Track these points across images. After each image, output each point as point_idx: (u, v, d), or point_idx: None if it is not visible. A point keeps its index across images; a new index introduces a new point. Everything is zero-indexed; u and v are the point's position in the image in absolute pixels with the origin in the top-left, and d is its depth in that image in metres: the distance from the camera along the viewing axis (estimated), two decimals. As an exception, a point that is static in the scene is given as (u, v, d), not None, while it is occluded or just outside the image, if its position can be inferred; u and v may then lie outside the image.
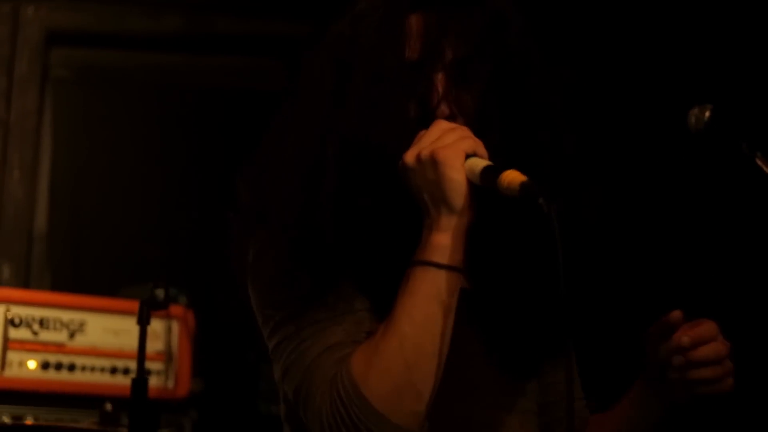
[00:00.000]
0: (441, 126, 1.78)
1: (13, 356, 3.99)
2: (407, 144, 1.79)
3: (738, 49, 3.64)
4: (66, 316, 4.12)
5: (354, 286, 1.82)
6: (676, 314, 1.85)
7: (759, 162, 2.34)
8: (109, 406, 3.76)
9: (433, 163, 1.73)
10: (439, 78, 1.84)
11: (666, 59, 3.81)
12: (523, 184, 1.66)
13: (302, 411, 1.79)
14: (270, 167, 1.91)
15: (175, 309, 3.89)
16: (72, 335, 4.12)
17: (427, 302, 1.74)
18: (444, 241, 1.75)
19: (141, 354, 3.23)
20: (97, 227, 5.05)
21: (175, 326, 4.11)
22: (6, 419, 3.90)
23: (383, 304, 1.80)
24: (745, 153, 2.34)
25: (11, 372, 4.00)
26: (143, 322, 3.24)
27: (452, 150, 1.73)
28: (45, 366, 4.05)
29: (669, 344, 1.85)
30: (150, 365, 3.46)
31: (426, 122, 1.82)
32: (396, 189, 1.81)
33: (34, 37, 5.06)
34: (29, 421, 3.94)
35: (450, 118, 1.83)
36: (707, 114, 2.37)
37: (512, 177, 1.68)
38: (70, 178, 5.10)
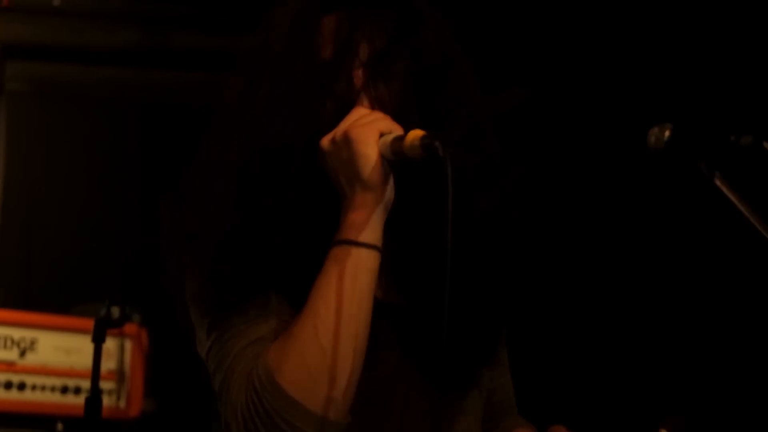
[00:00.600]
0: (359, 111, 1.76)
1: None
2: None
3: (698, 68, 3.64)
4: (17, 333, 4.09)
5: (282, 295, 1.78)
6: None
7: (718, 182, 2.33)
8: (60, 426, 3.73)
9: (346, 141, 1.71)
10: (356, 74, 1.81)
11: (626, 77, 3.81)
12: (422, 137, 1.64)
13: (222, 407, 1.74)
14: (191, 184, 1.87)
15: (129, 327, 3.85)
16: (23, 353, 4.09)
17: (342, 282, 1.70)
18: (359, 218, 1.72)
19: (95, 373, 3.17)
20: (49, 244, 4.98)
21: (129, 345, 4.07)
22: None
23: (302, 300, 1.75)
24: (704, 173, 2.34)
25: (-42, 392, 3.95)
26: (98, 341, 3.18)
27: (366, 128, 1.71)
28: None
29: None
30: (102, 384, 3.38)
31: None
32: (315, 185, 1.78)
33: (-13, 49, 5.01)
34: None
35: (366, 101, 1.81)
36: (667, 133, 2.36)
37: (415, 134, 1.66)
38: (23, 194, 5.04)
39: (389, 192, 1.74)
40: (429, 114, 1.83)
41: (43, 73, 5.20)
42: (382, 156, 1.70)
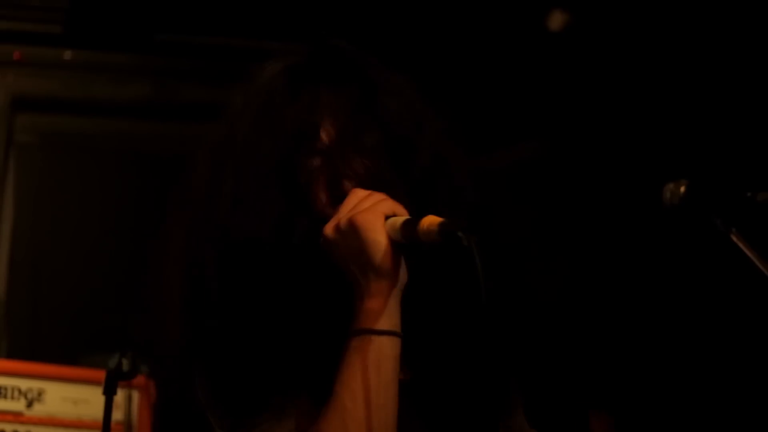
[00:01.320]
0: (357, 194, 1.72)
1: None
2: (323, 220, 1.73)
3: (714, 124, 3.63)
4: (24, 384, 4.03)
5: (294, 386, 1.72)
6: None
7: (734, 238, 2.31)
8: None
9: (353, 229, 1.66)
10: (317, 162, 1.78)
11: (641, 132, 3.80)
12: (441, 224, 1.60)
13: None
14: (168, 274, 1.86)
15: (137, 379, 3.79)
16: (30, 404, 4.03)
17: (366, 372, 1.65)
18: (376, 306, 1.67)
19: (106, 424, 3.15)
20: (57, 294, 4.93)
21: (136, 396, 4.01)
22: None
23: (324, 392, 1.69)
24: (720, 229, 2.31)
25: (-33, 442, 3.93)
26: (109, 392, 3.17)
27: (371, 213, 1.67)
28: None
29: None
30: (110, 436, 3.36)
31: (336, 200, 1.75)
32: (313, 274, 1.73)
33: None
34: None
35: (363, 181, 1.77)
36: (682, 189, 2.34)
37: (430, 221, 1.62)
38: (31, 244, 5.01)
39: (402, 275, 1.70)
40: (409, 183, 1.79)
41: (53, 125, 5.18)
42: (392, 240, 1.67)
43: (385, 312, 1.67)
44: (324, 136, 1.78)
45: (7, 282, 4.92)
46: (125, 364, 3.23)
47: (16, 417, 4.00)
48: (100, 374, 4.02)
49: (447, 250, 1.60)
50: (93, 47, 5.00)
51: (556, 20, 3.93)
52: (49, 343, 4.69)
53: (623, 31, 3.94)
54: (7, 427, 3.96)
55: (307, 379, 1.72)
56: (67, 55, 5.02)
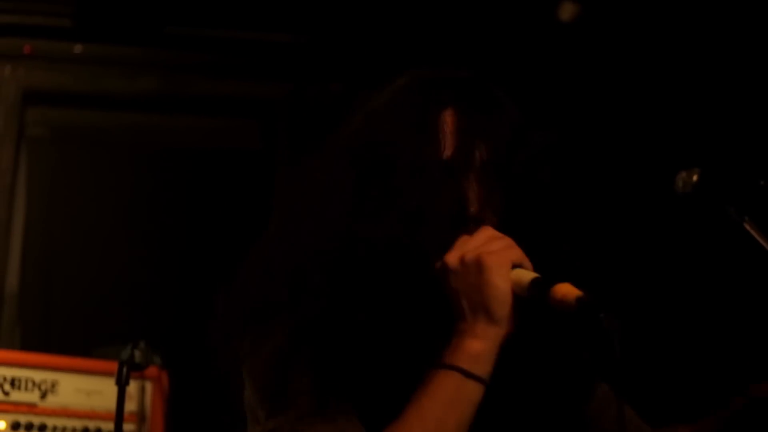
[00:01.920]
0: (487, 233, 1.69)
1: None
2: (440, 244, 1.70)
3: (727, 112, 3.60)
4: (38, 376, 4.02)
5: (349, 401, 1.69)
6: None
7: (747, 227, 2.29)
8: None
9: (478, 267, 1.64)
10: (473, 180, 1.75)
11: (654, 122, 3.77)
12: (579, 299, 1.57)
13: None
14: (279, 264, 1.78)
15: (150, 370, 3.79)
16: (44, 395, 4.02)
17: (443, 408, 1.63)
18: (477, 349, 1.64)
19: (119, 415, 3.19)
20: (69, 286, 4.93)
21: (149, 387, 4.00)
22: None
23: (377, 418, 1.68)
24: (733, 217, 2.29)
25: (-18, 432, 3.93)
26: (122, 383, 3.19)
27: (500, 257, 1.65)
28: (15, 427, 3.95)
29: None
30: (123, 426, 3.33)
31: (460, 225, 1.73)
32: (417, 290, 1.70)
33: (10, 96, 5.00)
34: None
35: (481, 220, 1.74)
36: (695, 177, 2.32)
37: (566, 290, 1.59)
38: (43, 237, 4.99)
39: (508, 327, 1.67)
40: (533, 225, 1.78)
41: (63, 119, 5.16)
42: (515, 292, 1.65)
43: (483, 357, 1.65)
44: (478, 156, 1.75)
45: (19, 275, 4.90)
46: (138, 356, 3.25)
47: (30, 408, 3.98)
48: (113, 366, 4.04)
49: (578, 322, 1.60)
50: (103, 41, 4.98)
51: (567, 11, 3.90)
52: (62, 336, 4.67)
53: (635, 19, 3.92)
54: (22, 418, 3.95)
55: (371, 396, 1.70)
56: (77, 48, 5.00)
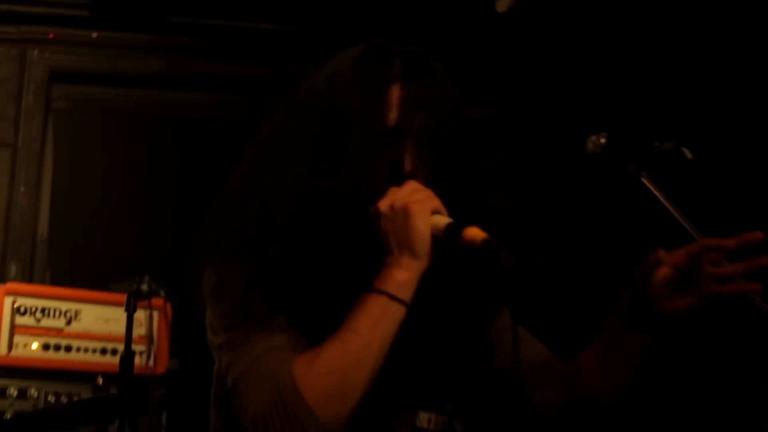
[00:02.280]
0: (413, 185, 1.71)
1: (18, 339, 3.93)
2: (378, 196, 1.71)
3: (631, 85, 3.59)
4: (64, 306, 4.05)
5: (297, 321, 1.72)
6: (662, 251, 1.78)
7: (644, 181, 2.30)
8: (100, 380, 3.70)
9: (404, 213, 1.66)
10: (409, 144, 1.76)
11: (570, 94, 3.76)
12: (485, 240, 1.61)
13: (238, 399, 1.66)
14: (245, 201, 1.79)
15: (156, 301, 3.80)
16: (69, 322, 4.05)
17: (374, 325, 1.65)
18: (401, 277, 1.67)
19: (128, 336, 3.20)
20: (91, 233, 4.91)
21: (156, 315, 4.00)
22: (13, 391, 3.87)
23: (319, 331, 1.69)
24: (633, 173, 2.31)
25: (17, 352, 3.93)
26: (130, 311, 3.21)
27: (422, 205, 1.67)
28: (46, 347, 3.98)
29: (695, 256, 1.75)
30: (134, 347, 3.35)
31: (395, 180, 1.73)
32: (357, 231, 1.72)
33: (38, 74, 4.95)
34: (33, 393, 3.90)
35: (413, 177, 1.75)
36: (602, 140, 2.33)
37: (474, 233, 1.62)
38: (68, 193, 4.98)
39: (427, 261, 1.69)
40: (457, 185, 1.79)
41: (84, 94, 5.12)
42: (433, 233, 1.67)
43: (406, 285, 1.67)
44: (416, 126, 1.75)
45: (49, 225, 4.89)
46: (144, 288, 3.27)
47: (58, 332, 4.01)
48: (125, 297, 4.07)
49: (482, 259, 1.64)
50: (116, 28, 4.94)
51: (503, 4, 3.89)
52: (84, 273, 4.65)
53: (556, 11, 3.90)
54: (51, 340, 3.99)
55: (317, 317, 1.71)
56: (94, 35, 4.96)
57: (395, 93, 1.76)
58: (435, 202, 1.69)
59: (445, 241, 1.67)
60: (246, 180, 1.80)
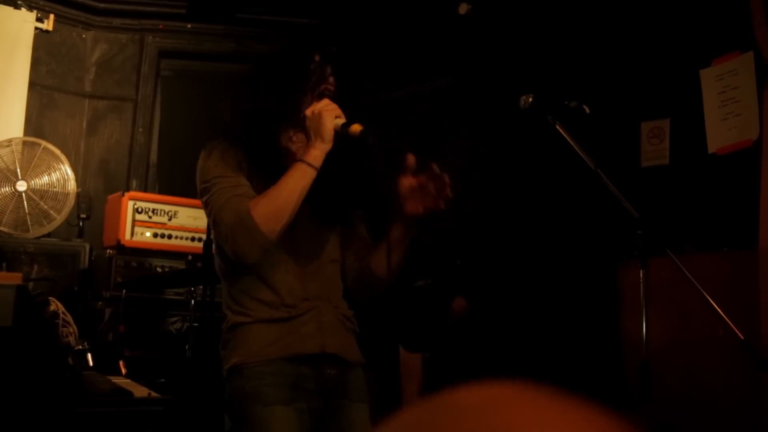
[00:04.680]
0: (326, 101, 1.83)
1: (137, 229, 3.91)
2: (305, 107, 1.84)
3: (555, 53, 3.45)
4: (166, 208, 4.02)
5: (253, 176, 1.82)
6: (411, 158, 1.86)
7: (558, 128, 2.25)
8: (189, 257, 3.62)
9: (319, 116, 1.80)
10: (329, 71, 1.90)
11: (511, 65, 3.60)
12: (361, 131, 1.76)
13: (216, 227, 1.77)
14: (235, 116, 1.92)
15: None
16: (170, 218, 4.01)
17: (297, 180, 1.76)
18: (315, 153, 1.79)
19: (209, 229, 3.10)
20: (185, 160, 4.75)
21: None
22: (135, 264, 3.85)
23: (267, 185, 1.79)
24: (550, 123, 2.25)
25: (137, 238, 3.91)
26: None
27: (330, 112, 1.80)
28: (155, 235, 3.96)
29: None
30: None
31: (320, 97, 1.87)
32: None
33: (151, 53, 4.84)
34: (147, 265, 3.88)
35: (329, 94, 1.88)
36: (530, 99, 2.27)
37: (355, 128, 1.77)
38: (170, 133, 4.87)
39: (331, 145, 1.80)
40: (348, 101, 1.87)
41: (182, 66, 5.00)
42: (335, 129, 1.79)
43: (318, 157, 1.78)
44: (330, 75, 1.89)
45: (157, 155, 4.82)
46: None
47: (163, 225, 3.98)
48: None
49: (360, 142, 1.76)
50: (203, 21, 4.82)
51: (463, 8, 3.72)
52: (179, 188, 4.52)
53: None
54: (158, 230, 3.95)
55: (261, 172, 1.82)
56: (189, 26, 4.84)
57: (317, 64, 1.89)
58: (338, 111, 1.81)
59: (340, 134, 1.80)
60: (236, 104, 1.94)
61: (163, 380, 3.15)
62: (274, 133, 1.87)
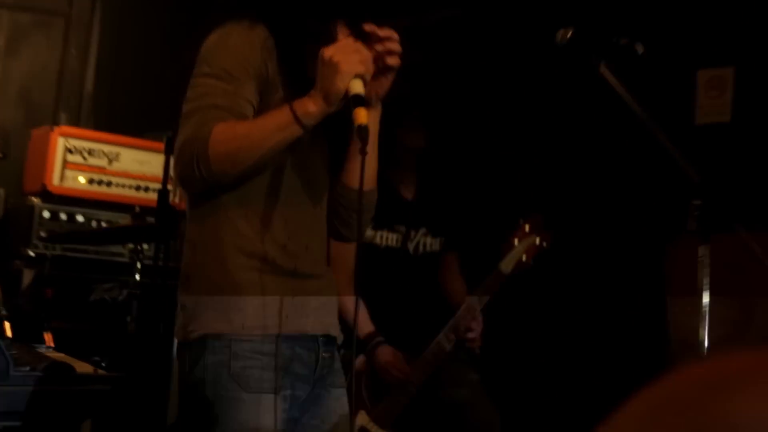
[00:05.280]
0: (356, 46, 1.72)
1: (69, 173, 3.86)
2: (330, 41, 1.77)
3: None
4: (106, 148, 3.97)
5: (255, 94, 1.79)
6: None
7: (602, 68, 2.24)
8: (137, 209, 3.60)
9: (335, 68, 1.68)
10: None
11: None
12: (359, 126, 1.66)
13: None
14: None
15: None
16: (110, 162, 3.97)
17: (275, 130, 1.70)
18: (311, 110, 1.69)
19: (165, 174, 3.10)
20: (129, 91, 4.71)
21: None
22: (63, 216, 3.82)
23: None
24: (593, 62, 2.24)
25: (67, 184, 3.86)
26: (168, 153, 3.12)
27: (349, 67, 1.68)
28: (91, 181, 3.91)
29: None
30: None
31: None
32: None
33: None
34: (80, 218, 3.84)
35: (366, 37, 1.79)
36: (569, 34, 2.26)
37: (359, 115, 1.66)
38: (111, 56, 4.78)
39: (334, 109, 1.71)
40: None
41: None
42: (347, 90, 1.69)
43: (311, 116, 1.69)
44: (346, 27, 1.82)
45: (94, 83, 4.72)
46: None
47: (101, 169, 3.94)
48: (161, 145, 3.98)
49: (356, 131, 1.67)
50: None
51: None
52: (121, 124, 4.42)
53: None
54: (95, 175, 3.92)
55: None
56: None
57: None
58: (362, 68, 1.70)
59: (346, 101, 1.71)
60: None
61: (97, 358, 3.13)
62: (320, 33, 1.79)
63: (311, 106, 1.68)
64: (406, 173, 3.12)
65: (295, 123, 1.69)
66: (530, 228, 2.94)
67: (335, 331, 1.85)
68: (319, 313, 1.81)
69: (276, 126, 1.70)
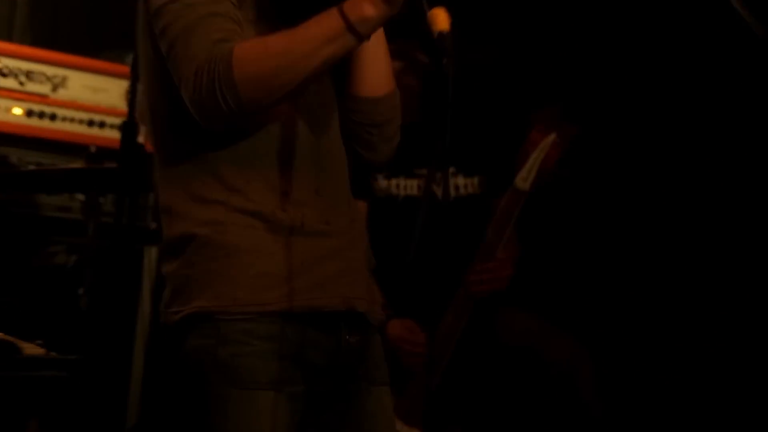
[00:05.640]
0: None
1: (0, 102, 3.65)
2: None
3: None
4: (50, 71, 3.72)
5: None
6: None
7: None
8: (93, 148, 3.33)
9: None
10: None
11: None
12: (440, 32, 1.54)
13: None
14: None
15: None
16: (55, 89, 3.73)
17: (324, 42, 1.57)
18: (369, 13, 1.56)
19: (131, 105, 2.98)
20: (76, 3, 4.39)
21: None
22: None
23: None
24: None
25: (-2, 116, 3.73)
26: (134, 79, 2.98)
27: None
28: (30, 114, 3.67)
29: None
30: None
31: None
32: None
33: None
34: (14, 160, 3.63)
35: None
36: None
37: (438, 18, 1.56)
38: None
39: (396, 11, 1.58)
40: None
41: None
42: None
43: (369, 21, 1.57)
44: None
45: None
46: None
47: (42, 98, 3.70)
48: (120, 68, 3.72)
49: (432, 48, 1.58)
50: None
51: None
52: (68, 39, 4.18)
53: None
54: (35, 107, 3.68)
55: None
56: None
57: None
58: None
59: (414, 3, 1.59)
60: None
61: (39, 341, 2.99)
62: None
63: (369, 9, 1.56)
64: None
65: (348, 32, 1.56)
66: (546, 125, 2.72)
67: (364, 306, 1.73)
68: (339, 283, 1.69)
69: (323, 37, 1.56)
